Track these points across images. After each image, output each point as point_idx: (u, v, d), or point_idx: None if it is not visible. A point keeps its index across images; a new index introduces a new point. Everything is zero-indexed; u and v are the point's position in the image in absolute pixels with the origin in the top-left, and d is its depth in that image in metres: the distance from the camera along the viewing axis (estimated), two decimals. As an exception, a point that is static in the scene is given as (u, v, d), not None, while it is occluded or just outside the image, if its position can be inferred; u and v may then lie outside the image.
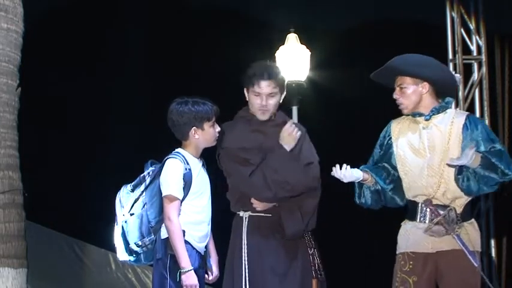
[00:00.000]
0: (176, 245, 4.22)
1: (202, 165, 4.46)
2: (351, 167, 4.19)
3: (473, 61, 8.63)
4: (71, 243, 8.19)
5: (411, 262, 4.17)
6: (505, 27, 9.54)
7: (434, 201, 4.14)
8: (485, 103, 8.55)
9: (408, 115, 4.32)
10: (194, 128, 4.35)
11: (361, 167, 4.28)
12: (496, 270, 8.42)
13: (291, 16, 10.34)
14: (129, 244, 4.40)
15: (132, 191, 4.45)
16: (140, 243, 4.37)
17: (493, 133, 4.26)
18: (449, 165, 4.10)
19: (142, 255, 4.42)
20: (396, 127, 4.36)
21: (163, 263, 4.29)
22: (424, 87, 4.23)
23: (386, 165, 4.32)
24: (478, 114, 8.54)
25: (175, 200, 4.27)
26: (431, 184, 4.16)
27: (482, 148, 4.10)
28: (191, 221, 4.32)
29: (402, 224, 4.31)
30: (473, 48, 8.62)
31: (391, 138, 4.35)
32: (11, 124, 4.69)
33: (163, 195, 4.30)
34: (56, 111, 10.82)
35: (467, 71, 8.59)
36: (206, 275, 4.48)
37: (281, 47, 9.33)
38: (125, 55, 10.87)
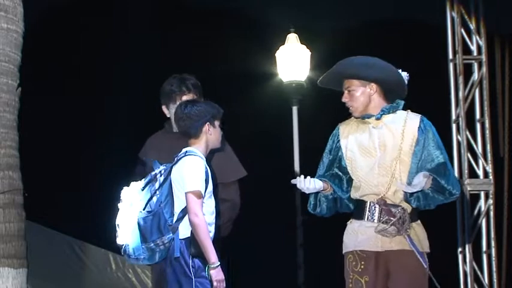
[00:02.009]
0: (204, 240, 4.20)
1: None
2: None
3: (473, 61, 8.62)
4: (71, 243, 8.19)
5: (363, 262, 4.15)
6: (505, 27, 9.54)
7: (387, 201, 4.13)
8: (485, 103, 8.54)
9: (358, 118, 4.29)
10: (208, 123, 4.36)
11: (315, 177, 4.25)
12: (496, 270, 8.42)
13: (291, 16, 10.34)
14: (146, 242, 4.36)
15: (143, 189, 4.42)
16: (158, 242, 4.34)
17: (440, 139, 4.27)
18: (405, 191, 4.08)
19: (158, 253, 4.38)
20: (344, 129, 4.35)
21: (185, 263, 4.25)
22: (372, 88, 4.24)
23: (337, 171, 4.29)
24: (478, 114, 8.54)
25: (199, 196, 4.26)
26: (383, 183, 4.14)
27: (431, 159, 4.14)
28: (207, 221, 4.31)
29: (348, 223, 4.28)
30: (474, 48, 8.62)
31: (339, 141, 4.33)
32: (11, 124, 4.69)
33: (187, 191, 4.25)
34: (56, 111, 10.82)
35: (467, 71, 8.59)
36: None
37: (281, 47, 9.34)
38: (125, 55, 10.87)
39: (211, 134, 4.38)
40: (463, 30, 8.61)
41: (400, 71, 4.38)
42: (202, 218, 4.23)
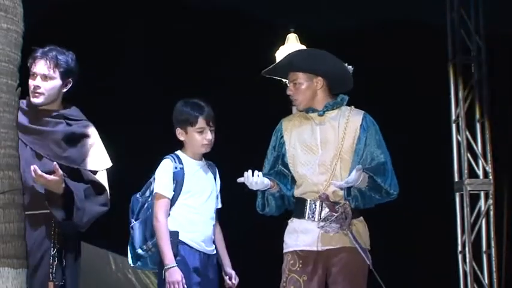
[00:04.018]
0: (159, 242, 4.22)
1: (208, 166, 4.47)
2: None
3: (473, 62, 8.63)
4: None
5: (301, 261, 4.09)
6: (505, 27, 9.54)
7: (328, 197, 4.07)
8: (485, 103, 8.55)
9: (301, 111, 4.25)
10: (178, 128, 4.37)
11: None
12: (496, 270, 8.42)
13: (291, 16, 10.34)
14: (135, 249, 4.40)
15: (141, 197, 4.49)
16: (145, 247, 4.37)
17: (382, 138, 4.20)
18: (339, 188, 4.02)
19: (148, 259, 4.41)
20: (288, 125, 4.29)
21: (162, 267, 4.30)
22: (318, 83, 4.18)
23: (282, 168, 4.22)
24: (478, 114, 8.54)
25: (162, 198, 4.28)
26: (322, 181, 4.08)
27: (371, 158, 4.07)
28: (186, 221, 4.31)
29: (289, 221, 4.21)
30: (473, 48, 8.62)
31: (283, 137, 4.27)
32: (11, 124, 4.68)
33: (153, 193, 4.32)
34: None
35: (467, 72, 8.59)
36: (229, 281, 4.46)
37: (281, 47, 9.34)
38: (126, 56, 10.88)
39: (184, 140, 4.39)
40: (462, 31, 8.61)
41: (346, 64, 4.28)
42: (160, 220, 4.24)
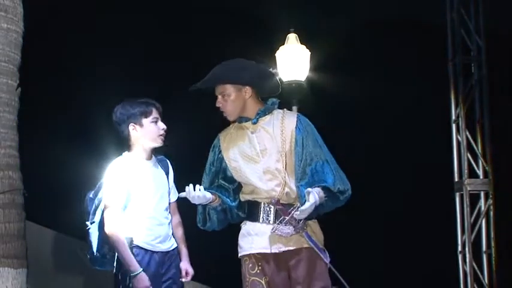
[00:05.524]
0: (118, 252, 4.20)
1: (159, 162, 4.43)
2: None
3: (473, 61, 8.62)
4: (71, 243, 8.19)
5: (259, 263, 4.08)
6: (505, 27, 9.54)
7: (281, 201, 4.05)
8: (485, 103, 8.54)
9: (234, 122, 4.23)
10: (131, 124, 4.34)
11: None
12: (496, 270, 8.41)
13: (291, 16, 10.34)
14: (93, 253, 4.37)
15: (95, 198, 4.43)
16: (102, 252, 4.34)
17: (320, 136, 4.19)
18: (301, 214, 3.95)
19: (106, 262, 4.38)
20: (224, 139, 4.25)
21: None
22: (247, 92, 4.17)
23: (222, 183, 4.21)
24: (478, 114, 8.54)
25: (111, 208, 4.24)
26: (273, 187, 4.06)
27: (310, 158, 4.05)
28: (139, 225, 4.28)
29: (242, 225, 4.20)
30: (473, 48, 8.61)
31: (221, 152, 4.24)
32: (11, 124, 4.69)
33: None
34: (56, 111, 10.82)
35: (467, 71, 8.59)
36: (184, 275, 4.44)
37: (281, 47, 9.33)
38: (123, 56, 10.87)
39: (136, 136, 4.34)
40: (462, 30, 8.61)
41: (271, 69, 4.31)
42: (111, 230, 4.21)
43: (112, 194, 4.26)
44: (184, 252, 4.49)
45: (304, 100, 9.44)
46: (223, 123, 4.34)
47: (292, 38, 9.32)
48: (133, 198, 4.29)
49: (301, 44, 9.32)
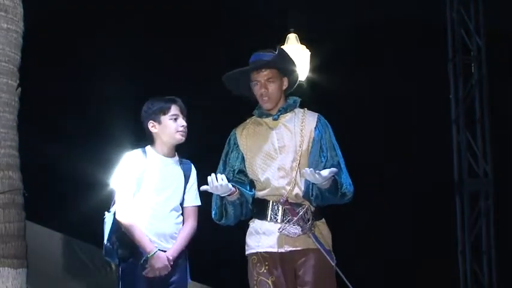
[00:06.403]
0: (133, 235, 4.21)
1: (180, 164, 4.44)
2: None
3: (473, 61, 8.63)
4: (71, 243, 8.19)
5: (267, 263, 4.03)
6: (505, 27, 9.54)
7: (289, 200, 4.01)
8: (485, 103, 8.55)
9: (252, 116, 4.19)
10: (151, 121, 4.38)
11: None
12: (496, 270, 8.42)
13: (291, 16, 10.34)
14: (105, 243, 4.39)
15: None
16: (111, 240, 4.35)
17: (335, 140, 4.15)
18: (304, 175, 3.92)
19: (114, 252, 4.37)
20: (241, 134, 4.19)
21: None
22: (284, 83, 4.15)
23: (238, 176, 4.13)
24: (478, 114, 8.55)
25: (118, 194, 4.29)
26: (284, 185, 4.02)
27: (326, 160, 4.02)
28: (145, 216, 4.29)
29: (250, 222, 4.15)
30: (473, 48, 8.62)
31: (238, 146, 4.17)
32: (11, 124, 4.68)
33: None
34: (56, 111, 10.83)
35: (467, 71, 8.60)
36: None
37: (281, 47, 9.34)
38: (122, 56, 10.88)
39: (156, 132, 4.37)
40: (462, 30, 8.62)
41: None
42: (121, 215, 4.24)
43: (121, 181, 4.30)
44: (175, 247, 4.37)
45: (304, 100, 9.44)
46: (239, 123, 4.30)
47: (292, 38, 9.33)
48: (141, 188, 4.31)
49: (301, 44, 9.33)
